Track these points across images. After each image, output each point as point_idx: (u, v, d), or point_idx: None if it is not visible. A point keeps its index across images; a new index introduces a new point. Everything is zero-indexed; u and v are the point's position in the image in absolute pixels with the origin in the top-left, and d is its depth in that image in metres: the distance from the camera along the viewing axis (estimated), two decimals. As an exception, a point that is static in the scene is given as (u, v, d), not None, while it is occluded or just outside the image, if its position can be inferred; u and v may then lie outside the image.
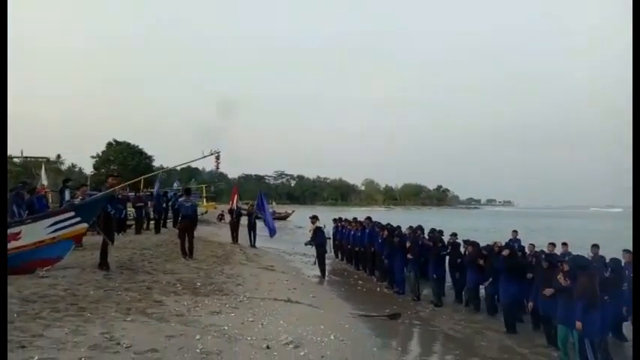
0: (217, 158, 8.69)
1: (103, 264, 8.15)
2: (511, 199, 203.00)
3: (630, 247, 7.63)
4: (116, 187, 8.71)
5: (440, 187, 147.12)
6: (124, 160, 57.88)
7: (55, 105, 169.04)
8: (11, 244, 7.40)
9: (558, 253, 10.06)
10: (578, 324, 5.88)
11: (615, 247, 9.74)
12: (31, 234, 7.49)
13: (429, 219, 34.34)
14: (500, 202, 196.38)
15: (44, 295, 6.18)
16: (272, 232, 17.20)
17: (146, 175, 14.23)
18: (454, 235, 11.76)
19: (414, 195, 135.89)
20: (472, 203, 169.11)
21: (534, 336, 8.03)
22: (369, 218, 14.77)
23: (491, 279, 9.34)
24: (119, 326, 5.23)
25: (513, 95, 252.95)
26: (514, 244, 12.68)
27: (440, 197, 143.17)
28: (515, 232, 14.38)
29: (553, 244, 10.85)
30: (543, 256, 8.64)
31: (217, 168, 8.96)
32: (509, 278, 8.62)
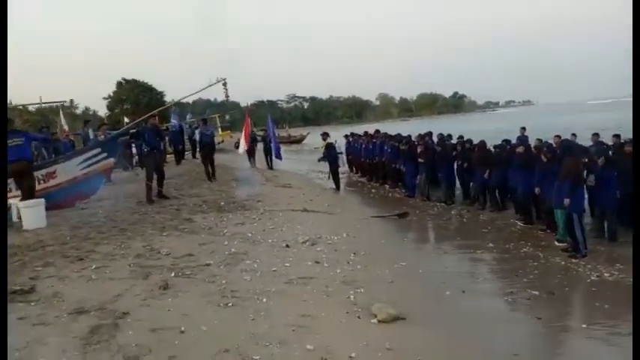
0: (224, 85, 9.04)
1: (148, 198, 8.78)
2: (531, 99, 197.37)
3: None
4: (131, 124, 9.30)
5: (456, 93, 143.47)
6: (136, 99, 58.08)
7: (60, 50, 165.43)
8: (49, 183, 8.20)
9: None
10: (566, 200, 6.43)
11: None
12: (65, 172, 8.23)
13: (442, 126, 34.31)
14: (519, 102, 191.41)
15: (88, 221, 7.02)
16: (277, 155, 17.82)
17: (158, 109, 14.62)
18: (461, 137, 12.18)
19: (429, 105, 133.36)
20: (490, 106, 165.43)
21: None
22: (377, 131, 15.21)
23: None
24: (157, 240, 6.05)
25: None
26: (521, 139, 13.07)
27: (457, 104, 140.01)
28: (523, 129, 14.64)
29: (558, 136, 11.21)
30: (545, 148, 9.04)
31: (227, 96, 9.34)
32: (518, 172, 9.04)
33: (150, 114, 9.38)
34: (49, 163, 8.62)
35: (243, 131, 17.07)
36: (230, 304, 3.99)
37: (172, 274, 4.68)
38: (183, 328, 3.43)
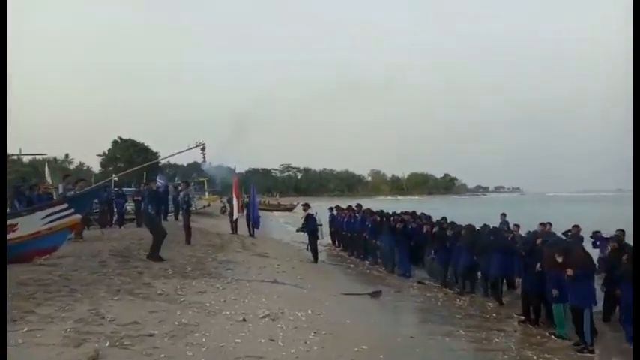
0: (202, 150, 9.14)
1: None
2: (520, 186, 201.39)
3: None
4: (102, 183, 9.22)
5: (447, 175, 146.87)
6: (130, 158, 58.53)
7: (63, 107, 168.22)
8: (9, 235, 7.85)
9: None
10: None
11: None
12: (27, 225, 7.93)
13: (433, 207, 34.50)
14: (508, 189, 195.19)
15: (39, 279, 6.62)
16: (255, 224, 17.52)
17: (140, 166, 14.66)
18: (444, 219, 12.31)
19: (420, 184, 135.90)
20: (480, 191, 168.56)
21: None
22: (359, 205, 15.26)
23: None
24: (106, 304, 5.67)
25: (523, 77, 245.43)
26: (502, 225, 13.19)
27: (447, 186, 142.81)
28: (503, 215, 14.74)
29: (543, 224, 11.30)
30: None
31: (203, 160, 9.47)
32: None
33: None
34: (12, 215, 8.35)
35: (235, 197, 17.02)
36: (161, 383, 3.61)
37: (108, 344, 4.30)
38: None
